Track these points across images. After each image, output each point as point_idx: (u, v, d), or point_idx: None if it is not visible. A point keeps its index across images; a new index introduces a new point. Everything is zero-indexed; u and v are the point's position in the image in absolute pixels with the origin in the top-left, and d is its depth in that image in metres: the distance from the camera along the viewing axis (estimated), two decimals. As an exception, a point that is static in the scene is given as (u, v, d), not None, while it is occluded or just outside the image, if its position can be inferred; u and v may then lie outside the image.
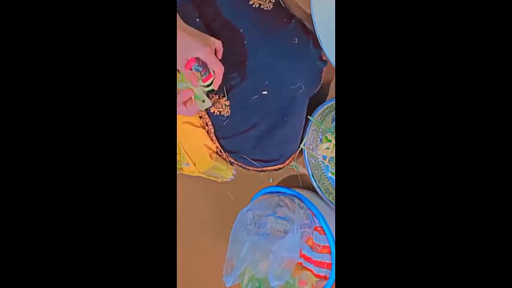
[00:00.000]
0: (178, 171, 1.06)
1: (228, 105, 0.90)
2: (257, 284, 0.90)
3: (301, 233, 0.86)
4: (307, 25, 0.92)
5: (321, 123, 0.98)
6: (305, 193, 0.96)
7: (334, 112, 0.97)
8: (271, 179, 1.08)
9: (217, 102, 0.90)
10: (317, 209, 0.91)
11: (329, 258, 0.90)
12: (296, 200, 0.93)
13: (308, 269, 0.91)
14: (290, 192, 0.96)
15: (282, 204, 0.92)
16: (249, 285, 0.90)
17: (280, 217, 0.90)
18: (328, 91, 1.00)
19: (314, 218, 0.90)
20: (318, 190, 0.98)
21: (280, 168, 0.99)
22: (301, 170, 1.04)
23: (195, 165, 0.98)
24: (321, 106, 0.94)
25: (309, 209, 0.91)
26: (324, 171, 1.01)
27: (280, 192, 0.97)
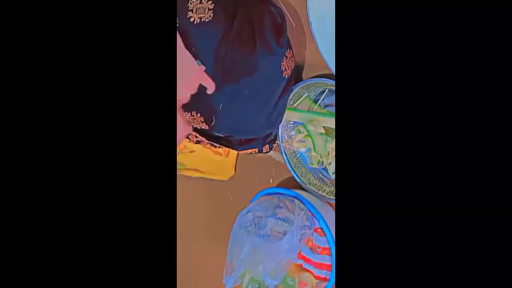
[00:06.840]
0: (178, 172, 1.06)
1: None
2: (257, 286, 0.90)
3: (301, 235, 0.86)
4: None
5: (293, 108, 0.96)
6: (305, 194, 0.95)
7: (309, 95, 0.95)
8: (271, 180, 1.08)
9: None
10: (317, 211, 0.90)
11: (329, 260, 0.90)
12: (296, 201, 0.93)
13: (308, 271, 0.91)
14: (290, 193, 0.95)
15: (282, 205, 0.92)
16: (249, 287, 0.90)
17: (280, 218, 0.90)
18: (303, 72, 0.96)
19: (314, 219, 0.90)
20: (302, 184, 0.98)
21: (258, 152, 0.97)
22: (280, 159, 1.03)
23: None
24: (295, 86, 0.92)
25: (309, 210, 0.91)
26: (304, 164, 1.00)
27: (280, 193, 0.97)
